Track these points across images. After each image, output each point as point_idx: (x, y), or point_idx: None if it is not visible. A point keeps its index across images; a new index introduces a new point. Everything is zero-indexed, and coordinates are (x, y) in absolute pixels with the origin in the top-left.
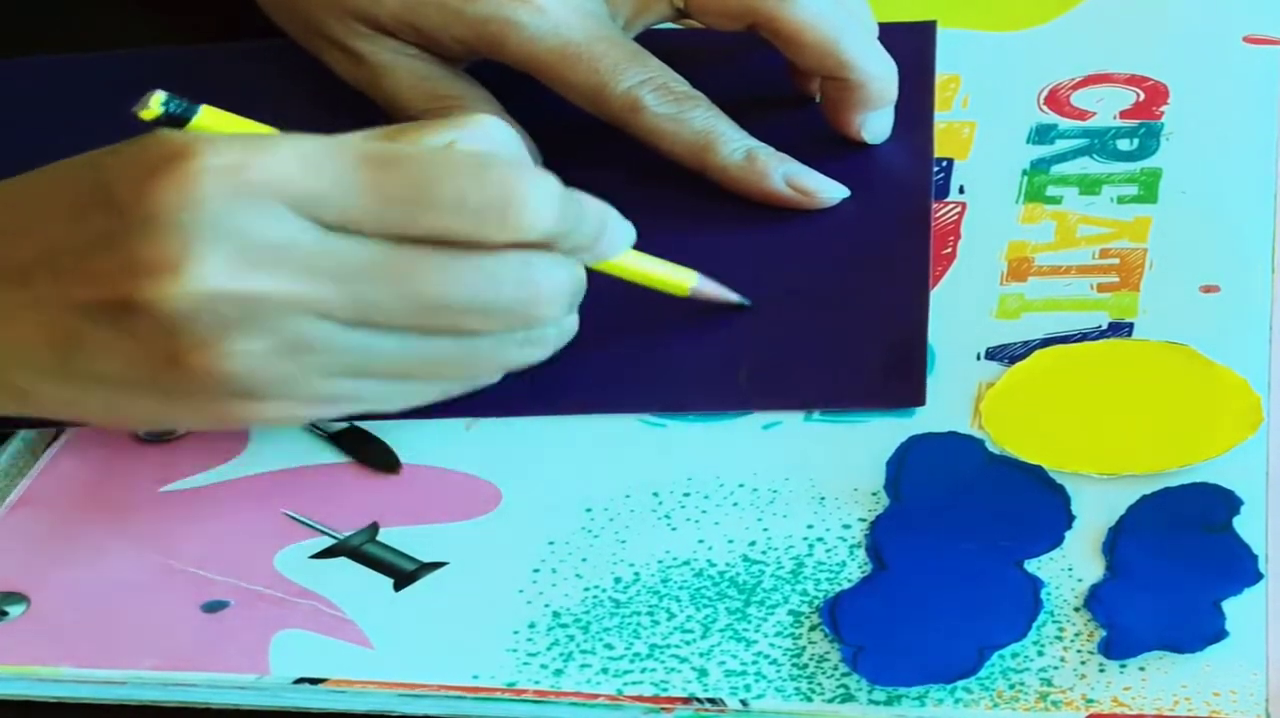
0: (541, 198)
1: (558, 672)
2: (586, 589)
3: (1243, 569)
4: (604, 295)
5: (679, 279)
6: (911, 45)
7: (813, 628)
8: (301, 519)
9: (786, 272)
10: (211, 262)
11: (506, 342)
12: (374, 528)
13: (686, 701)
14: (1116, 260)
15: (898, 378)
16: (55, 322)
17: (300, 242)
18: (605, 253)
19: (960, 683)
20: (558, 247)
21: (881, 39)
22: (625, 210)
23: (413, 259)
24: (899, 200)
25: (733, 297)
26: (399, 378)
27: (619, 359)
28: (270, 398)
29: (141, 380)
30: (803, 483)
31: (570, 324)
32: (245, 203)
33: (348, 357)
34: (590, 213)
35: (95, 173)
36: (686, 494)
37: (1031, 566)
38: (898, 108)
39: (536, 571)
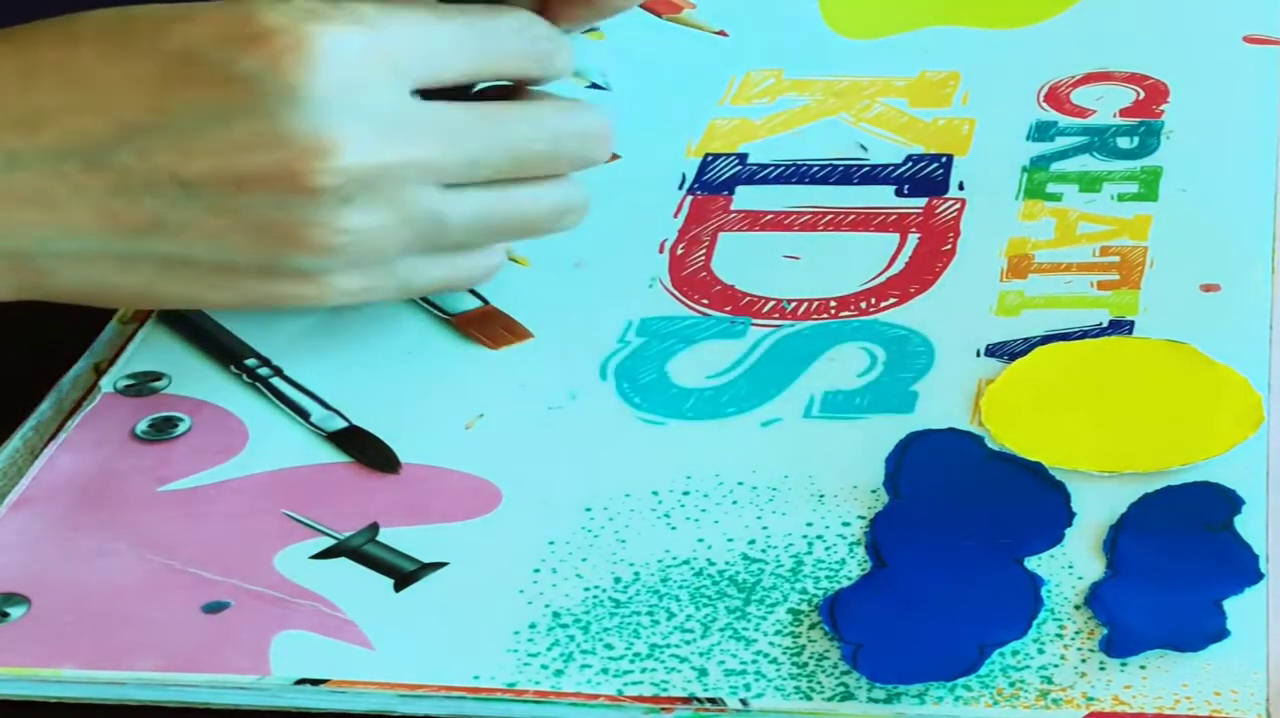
0: (566, 41)
1: (558, 672)
2: (586, 589)
3: (1243, 569)
4: None
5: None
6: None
7: (812, 626)
8: (301, 519)
9: None
10: (355, 138)
11: (562, 188)
12: (374, 528)
13: (686, 700)
14: (1117, 258)
15: None
16: (133, 202)
17: (413, 112)
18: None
19: (960, 681)
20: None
21: None
22: None
23: (501, 112)
24: None
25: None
26: (489, 239)
27: None
28: (355, 273)
29: (224, 260)
30: (802, 481)
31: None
32: (368, 78)
33: (448, 223)
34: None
35: (183, 43)
36: (686, 493)
37: (1032, 563)
38: None
39: (537, 571)
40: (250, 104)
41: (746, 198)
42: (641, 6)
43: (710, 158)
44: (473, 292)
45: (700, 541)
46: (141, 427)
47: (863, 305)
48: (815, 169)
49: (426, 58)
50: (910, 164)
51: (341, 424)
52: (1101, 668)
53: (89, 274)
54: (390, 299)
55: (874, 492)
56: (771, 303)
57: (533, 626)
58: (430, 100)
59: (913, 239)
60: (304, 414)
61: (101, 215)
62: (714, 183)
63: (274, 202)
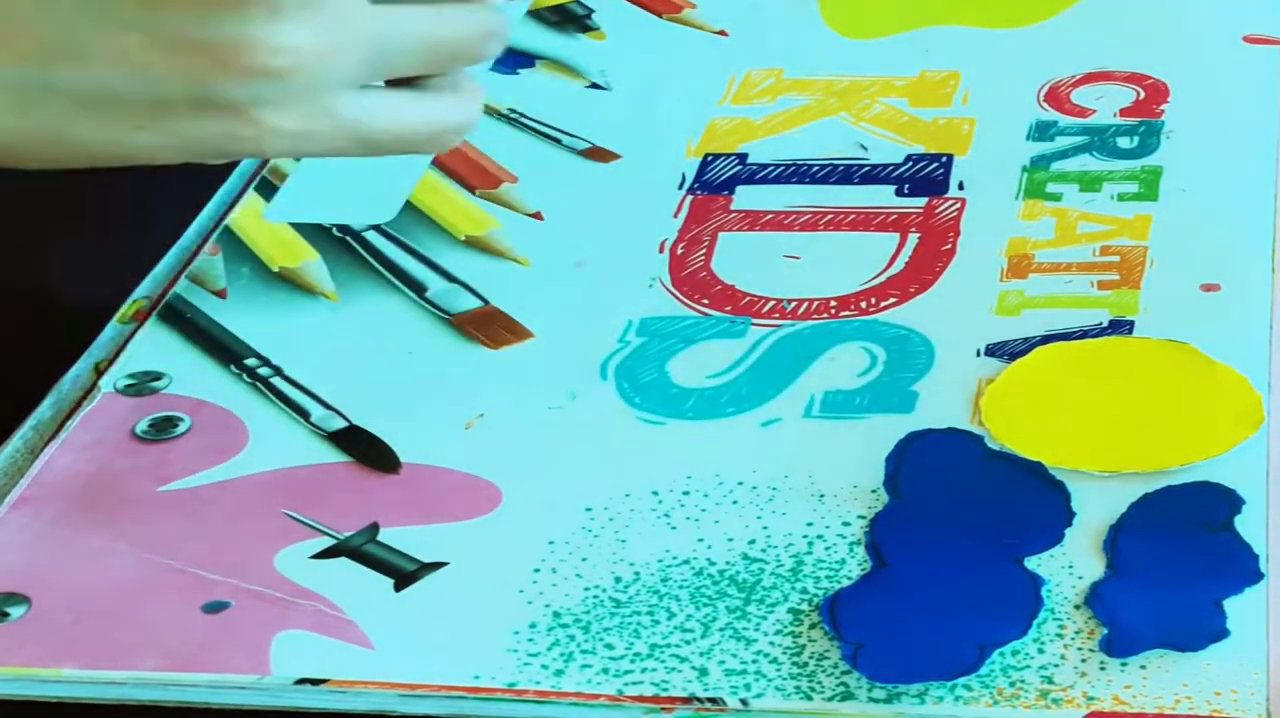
0: None
1: (558, 672)
2: (587, 589)
3: (1244, 568)
4: None
5: None
6: None
7: (812, 626)
8: (302, 519)
9: None
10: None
11: (483, 10)
12: (374, 528)
13: (687, 700)
14: (1117, 258)
15: None
16: (26, 22)
17: None
18: None
19: (960, 681)
20: None
21: None
22: None
23: None
24: None
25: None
26: (426, 65)
27: None
28: (293, 108)
29: (144, 91)
30: (802, 480)
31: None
32: None
33: (390, 44)
34: None
35: None
36: (686, 493)
37: (1032, 563)
38: None
39: (537, 570)
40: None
41: (746, 198)
42: (641, 6)
43: (710, 158)
44: (473, 292)
45: (700, 540)
46: (141, 426)
47: (863, 305)
48: (815, 169)
49: None
50: (910, 164)
51: (341, 424)
52: (1102, 668)
53: (27, 119)
54: (342, 151)
55: (874, 492)
56: (771, 303)
57: (533, 625)
58: None
59: (913, 239)
60: (304, 414)
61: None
62: (714, 183)
63: (194, 18)
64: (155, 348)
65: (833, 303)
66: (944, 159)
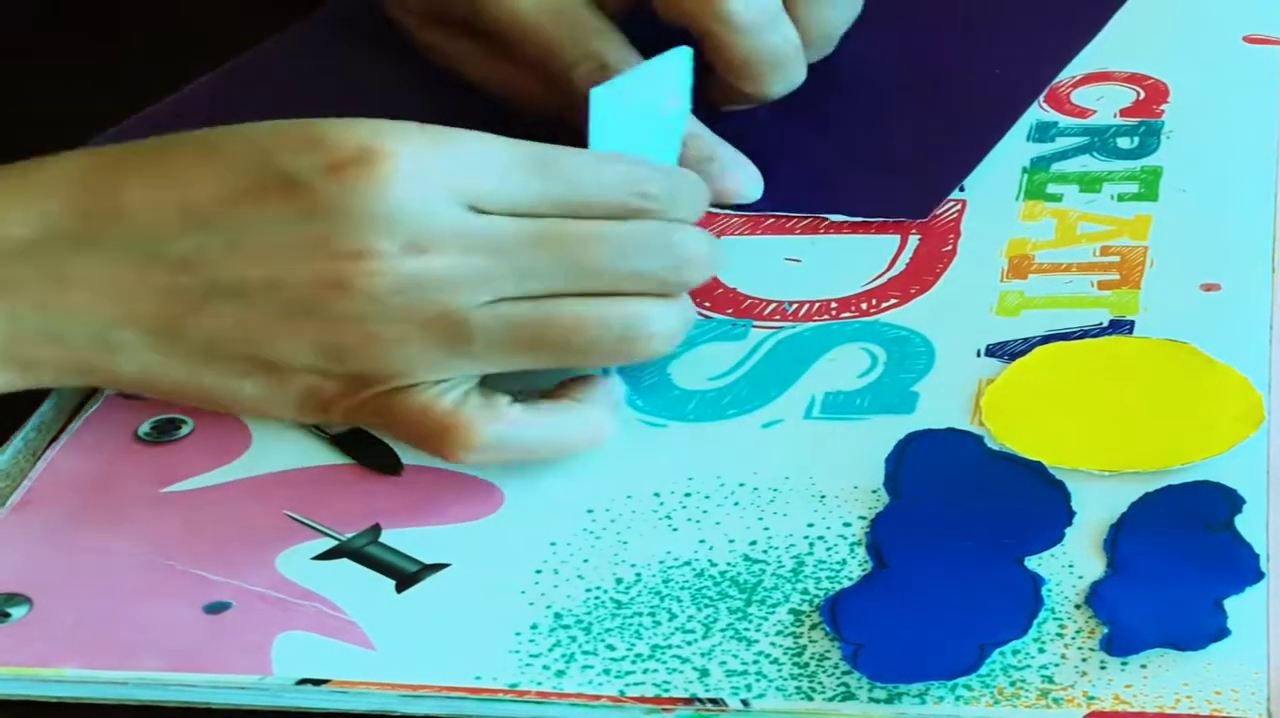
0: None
1: (560, 673)
2: (588, 590)
3: (1244, 568)
4: None
5: None
6: None
7: (813, 627)
8: (303, 520)
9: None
10: (399, 247)
11: (629, 308)
12: (376, 529)
13: (688, 701)
14: (1117, 258)
15: (915, 190)
16: (190, 301)
17: (467, 225)
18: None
19: (961, 680)
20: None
21: None
22: None
23: (566, 227)
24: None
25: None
26: (518, 356)
27: None
28: (424, 385)
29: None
30: (802, 481)
31: (689, 309)
32: (427, 195)
33: (507, 330)
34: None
35: (269, 158)
36: (687, 494)
37: (1032, 562)
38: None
39: (538, 571)
40: (309, 215)
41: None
42: None
43: None
44: None
45: (701, 541)
46: (144, 429)
47: (863, 307)
48: None
49: (484, 180)
50: None
51: (345, 427)
52: (1102, 667)
53: (144, 361)
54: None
55: (874, 492)
56: (773, 305)
57: (534, 626)
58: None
59: (913, 240)
60: None
61: (165, 310)
62: None
63: (345, 309)
64: None
65: (834, 304)
66: None
